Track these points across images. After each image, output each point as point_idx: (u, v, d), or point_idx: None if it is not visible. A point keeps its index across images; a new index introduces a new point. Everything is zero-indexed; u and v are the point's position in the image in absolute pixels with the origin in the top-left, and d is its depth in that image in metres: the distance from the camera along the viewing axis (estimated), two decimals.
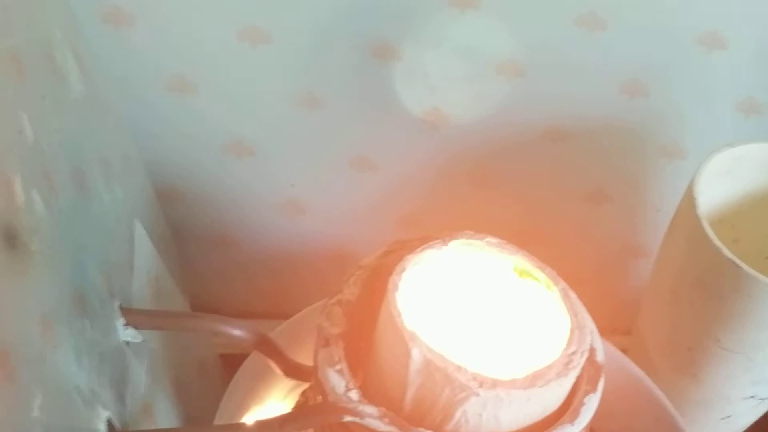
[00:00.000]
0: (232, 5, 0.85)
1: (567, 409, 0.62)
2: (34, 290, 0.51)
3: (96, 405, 0.58)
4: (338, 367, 0.62)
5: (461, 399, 0.56)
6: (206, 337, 0.97)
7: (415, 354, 0.57)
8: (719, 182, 0.87)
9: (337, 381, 0.61)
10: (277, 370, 0.71)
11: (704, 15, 0.89)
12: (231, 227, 1.10)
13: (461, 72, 0.92)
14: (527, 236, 1.07)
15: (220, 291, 1.17)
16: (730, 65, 0.93)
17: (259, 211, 1.07)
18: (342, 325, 0.64)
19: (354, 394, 0.60)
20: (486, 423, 0.58)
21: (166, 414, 0.77)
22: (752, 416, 0.96)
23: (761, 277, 0.74)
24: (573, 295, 0.64)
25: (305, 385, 0.83)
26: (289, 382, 0.82)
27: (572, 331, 0.61)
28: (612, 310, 1.13)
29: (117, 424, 0.61)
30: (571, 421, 0.61)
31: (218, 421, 0.77)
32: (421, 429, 0.58)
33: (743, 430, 0.98)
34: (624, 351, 0.85)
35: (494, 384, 0.56)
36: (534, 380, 0.57)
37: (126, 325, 0.67)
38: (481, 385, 0.56)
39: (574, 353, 0.60)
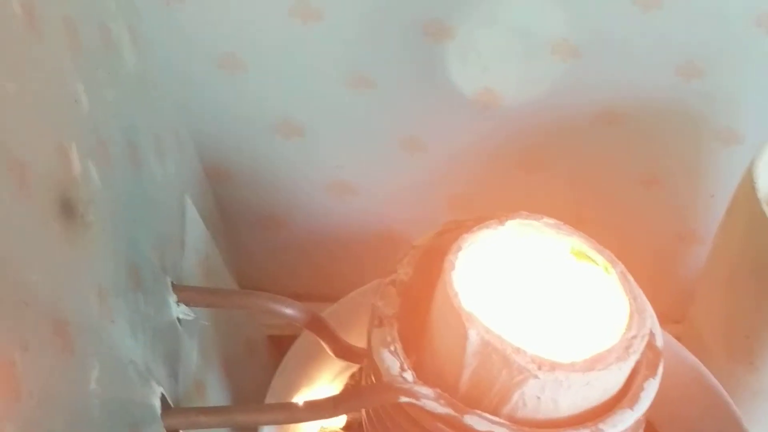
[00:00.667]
0: None
1: (625, 394, 0.61)
2: (91, 262, 0.51)
3: (150, 380, 0.58)
4: (392, 347, 0.61)
5: (519, 381, 0.56)
6: (254, 317, 0.97)
7: (472, 335, 0.56)
8: None
9: (392, 361, 0.60)
10: (328, 350, 0.71)
11: None
12: (278, 207, 1.09)
13: (515, 52, 0.91)
14: (578, 220, 1.05)
15: (265, 271, 1.16)
16: None
17: (307, 192, 1.07)
18: (396, 305, 0.64)
19: (408, 375, 0.59)
20: (544, 406, 0.57)
21: (216, 392, 0.77)
22: None
23: None
24: (631, 278, 0.63)
25: (354, 368, 0.83)
26: (338, 365, 0.82)
27: (631, 315, 0.60)
28: (664, 297, 1.10)
29: (170, 400, 0.61)
30: (631, 405, 0.60)
31: (269, 401, 0.76)
32: (477, 411, 0.57)
33: None
34: (676, 339, 0.84)
35: (553, 367, 0.55)
36: (594, 364, 0.56)
37: (178, 301, 0.67)
38: (540, 368, 0.55)
39: (634, 337, 0.59)
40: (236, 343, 0.88)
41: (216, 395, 0.76)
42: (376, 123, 0.99)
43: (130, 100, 0.67)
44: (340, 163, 1.04)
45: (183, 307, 0.67)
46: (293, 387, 0.79)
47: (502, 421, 0.57)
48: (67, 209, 0.48)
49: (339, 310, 0.83)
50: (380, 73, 0.93)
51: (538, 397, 0.56)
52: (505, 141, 1.00)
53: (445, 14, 0.87)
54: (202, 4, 0.86)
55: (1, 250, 0.40)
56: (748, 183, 0.79)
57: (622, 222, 1.09)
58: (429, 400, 0.58)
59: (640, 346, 0.58)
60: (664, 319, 0.68)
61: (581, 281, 0.64)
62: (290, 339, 0.82)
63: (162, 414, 0.59)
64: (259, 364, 0.94)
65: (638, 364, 0.61)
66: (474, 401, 0.58)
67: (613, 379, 0.59)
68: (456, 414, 0.57)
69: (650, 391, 0.61)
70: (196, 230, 0.78)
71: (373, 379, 0.63)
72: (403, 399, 0.58)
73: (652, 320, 0.62)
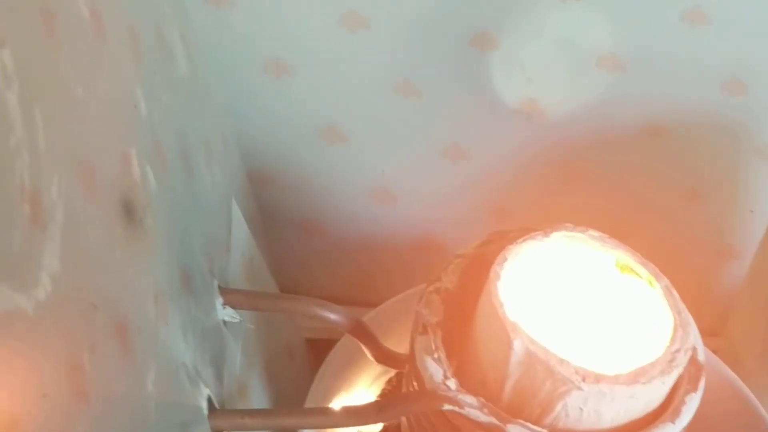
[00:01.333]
0: None
1: (666, 408, 0.61)
2: (149, 265, 0.52)
3: (199, 382, 0.59)
4: (436, 355, 0.61)
5: (563, 392, 0.56)
6: (294, 321, 0.98)
7: (517, 345, 0.56)
8: None
9: (435, 369, 0.61)
10: (369, 356, 0.71)
11: None
12: (320, 212, 1.10)
13: (559, 63, 0.91)
14: (617, 231, 1.05)
15: (306, 276, 1.17)
16: None
17: (349, 198, 1.07)
18: (440, 313, 0.64)
19: (452, 383, 0.60)
20: (586, 418, 0.57)
21: (258, 394, 0.77)
22: None
23: None
24: (675, 293, 0.63)
25: (391, 373, 0.83)
26: (375, 369, 0.82)
27: (675, 329, 0.60)
28: (701, 310, 1.10)
29: (215, 402, 0.62)
30: (672, 420, 0.60)
31: (309, 404, 0.77)
32: (520, 421, 0.58)
33: None
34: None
35: (597, 378, 0.55)
36: (637, 376, 0.57)
37: (224, 304, 0.67)
38: (584, 379, 0.55)
39: (678, 351, 0.59)
40: (277, 345, 0.88)
41: (258, 397, 0.77)
42: (420, 130, 0.99)
43: (182, 105, 0.68)
44: (382, 169, 1.04)
45: (229, 309, 0.68)
46: (332, 391, 0.80)
47: (544, 431, 0.57)
48: (129, 213, 0.49)
49: (378, 316, 0.84)
50: (425, 82, 0.94)
51: (581, 409, 0.57)
52: (548, 151, 1.00)
53: (492, 25, 0.88)
54: (251, 9, 0.87)
55: (74, 252, 0.40)
56: None
57: (661, 235, 1.08)
58: (473, 408, 0.58)
59: (683, 360, 0.58)
60: (701, 333, 0.68)
61: (625, 294, 0.64)
62: (327, 342, 0.83)
63: (209, 415, 0.60)
64: (297, 367, 0.95)
65: (680, 378, 0.61)
66: (516, 411, 0.58)
67: (656, 393, 0.59)
68: (499, 423, 0.57)
69: (692, 405, 0.61)
70: (241, 234, 0.79)
71: (415, 385, 0.63)
72: (447, 407, 0.58)
73: (695, 335, 0.62)
